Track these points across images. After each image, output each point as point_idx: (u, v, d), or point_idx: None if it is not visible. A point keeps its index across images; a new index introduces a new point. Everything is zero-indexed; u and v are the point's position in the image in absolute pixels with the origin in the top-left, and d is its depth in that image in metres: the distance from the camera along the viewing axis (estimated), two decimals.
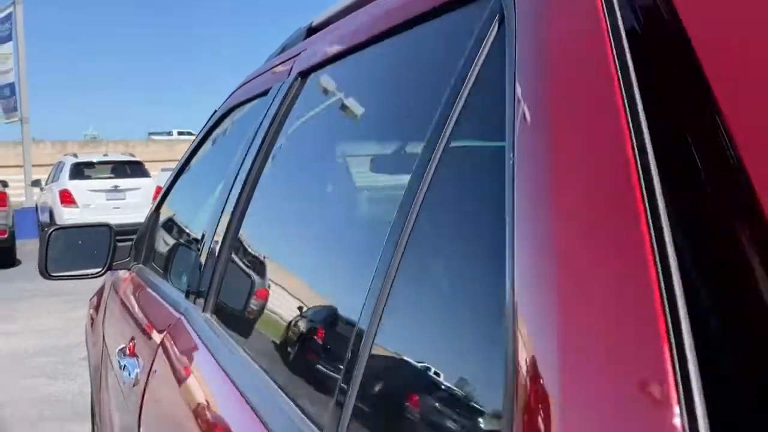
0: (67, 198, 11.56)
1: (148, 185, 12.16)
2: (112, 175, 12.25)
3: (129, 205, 11.46)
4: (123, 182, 12.11)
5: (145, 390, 1.30)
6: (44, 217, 12.41)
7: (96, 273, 2.00)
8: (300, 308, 0.98)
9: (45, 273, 1.95)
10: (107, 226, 2.08)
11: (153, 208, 2.21)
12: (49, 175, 13.50)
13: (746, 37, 0.42)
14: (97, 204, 11.58)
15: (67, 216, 11.17)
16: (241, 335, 1.10)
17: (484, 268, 0.59)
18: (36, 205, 13.52)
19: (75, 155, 13.05)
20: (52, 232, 2.00)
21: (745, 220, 0.36)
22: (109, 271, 2.07)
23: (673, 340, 0.34)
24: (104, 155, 13.54)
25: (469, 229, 0.64)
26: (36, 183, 14.05)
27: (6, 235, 9.75)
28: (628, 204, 0.40)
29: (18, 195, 13.88)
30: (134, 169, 12.66)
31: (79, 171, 12.15)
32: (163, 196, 2.18)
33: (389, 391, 0.68)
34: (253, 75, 1.73)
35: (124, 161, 12.85)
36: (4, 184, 11.80)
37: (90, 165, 12.46)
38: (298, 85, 1.25)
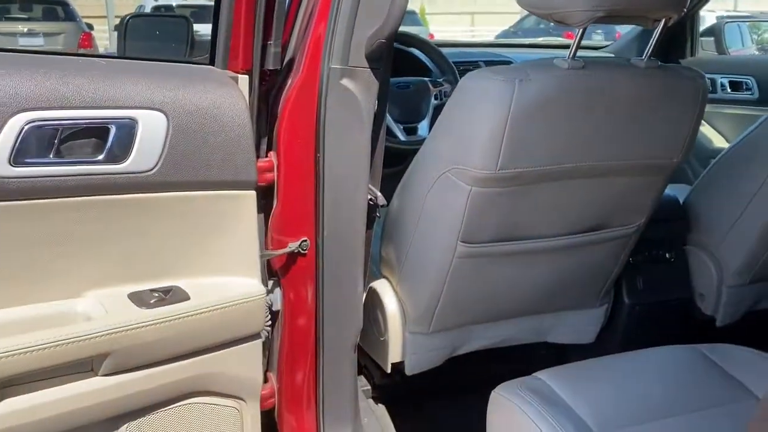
0: None
1: None
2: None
3: None
4: (200, 27, 12.27)
5: None
6: None
7: None
8: None
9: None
10: (185, 18, 2.04)
11: None
12: None
13: None
14: None
15: None
16: None
17: None
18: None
19: None
20: (129, 18, 1.82)
21: None
22: None
23: None
24: None
25: None
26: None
27: None
28: None
29: (103, 39, 13.41)
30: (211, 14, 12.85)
31: None
32: None
33: None
34: None
35: (204, 6, 12.93)
36: (90, 26, 11.61)
37: (169, 9, 12.24)
38: None
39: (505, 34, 15.11)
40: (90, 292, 0.99)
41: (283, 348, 1.29)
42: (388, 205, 1.38)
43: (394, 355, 1.48)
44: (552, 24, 1.23)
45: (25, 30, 10.30)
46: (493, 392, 1.16)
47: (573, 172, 1.26)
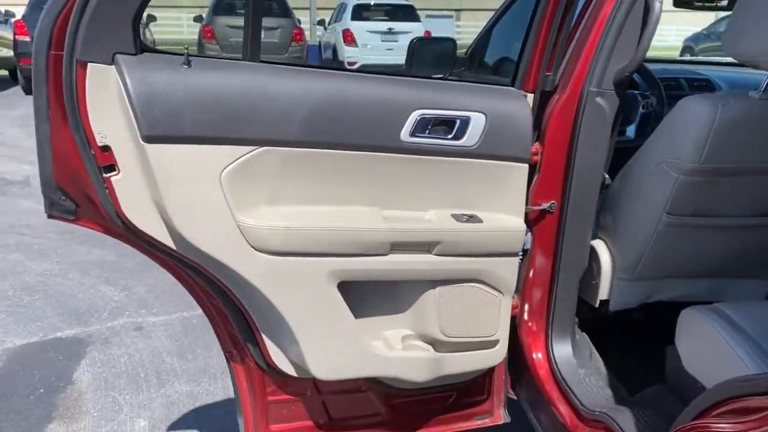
0: (349, 37, 12.55)
1: (419, 29, 12.77)
2: (386, 18, 13.05)
3: (401, 47, 11.59)
4: (397, 25, 12.83)
5: None
6: (327, 54, 13.70)
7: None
8: None
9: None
10: (451, 40, 2.77)
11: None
12: (332, 16, 14.64)
13: None
14: (374, 45, 12.38)
15: (348, 54, 12.27)
16: None
17: None
18: (319, 43, 14.74)
19: None
20: (415, 41, 2.62)
21: None
22: None
23: None
24: None
25: None
26: (321, 23, 15.19)
27: None
28: None
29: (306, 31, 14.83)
30: (406, 12, 13.35)
31: (359, 12, 13.10)
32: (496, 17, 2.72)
33: None
34: None
35: (398, 5, 13.53)
36: (299, 21, 13.01)
37: (368, 7, 13.32)
38: None
39: (696, 36, 14.57)
40: (432, 209, 1.67)
41: (528, 274, 1.89)
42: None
43: (603, 294, 2.04)
44: None
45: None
46: (684, 312, 1.69)
47: (762, 170, 1.75)
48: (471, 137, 1.63)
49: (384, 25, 12.91)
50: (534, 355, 1.95)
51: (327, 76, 1.53)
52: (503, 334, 1.84)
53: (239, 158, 1.44)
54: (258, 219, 1.47)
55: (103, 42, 1.32)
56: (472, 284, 1.74)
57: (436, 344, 1.76)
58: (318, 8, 16.46)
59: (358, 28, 12.79)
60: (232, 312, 1.66)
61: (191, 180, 1.40)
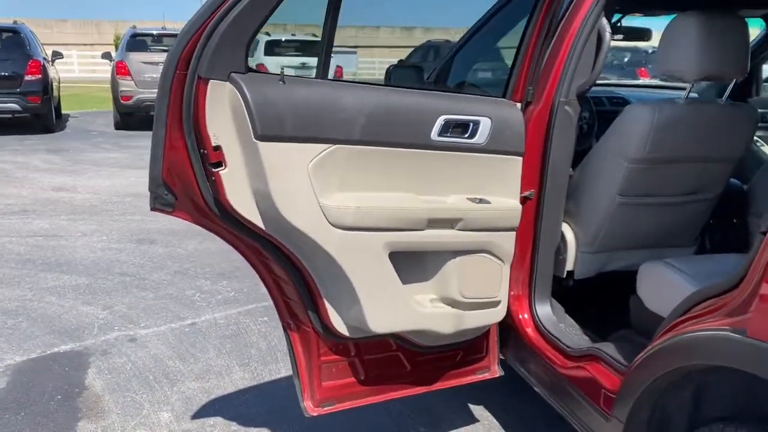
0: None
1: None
2: (299, 53, 13.38)
3: None
4: (309, 60, 13.08)
5: None
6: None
7: None
8: None
9: None
10: (419, 67, 3.26)
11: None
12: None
13: None
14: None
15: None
16: None
17: None
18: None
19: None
20: (391, 68, 3.10)
21: None
22: None
23: None
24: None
25: None
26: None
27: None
28: None
29: None
30: (313, 47, 13.35)
31: (271, 48, 13.38)
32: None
33: None
34: None
35: (306, 41, 13.84)
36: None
37: (279, 43, 13.61)
38: None
39: None
40: (453, 194, 2.11)
41: (517, 245, 2.38)
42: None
43: (569, 266, 2.56)
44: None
45: None
46: (642, 266, 2.22)
47: (689, 158, 2.33)
48: (481, 136, 2.10)
49: (297, 60, 13.48)
50: (521, 316, 2.43)
51: (377, 91, 1.97)
52: (504, 296, 2.31)
53: (320, 154, 1.84)
54: (333, 201, 1.87)
55: (224, 63, 1.70)
56: (482, 254, 2.20)
57: (455, 305, 2.20)
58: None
59: (273, 62, 13.32)
60: (299, 284, 2.03)
61: (290, 170, 1.79)
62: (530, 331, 2.40)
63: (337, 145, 1.87)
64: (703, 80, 2.23)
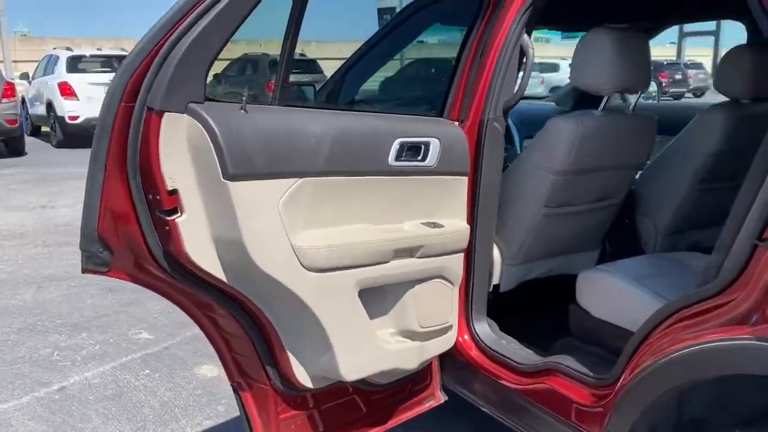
0: (67, 90, 12.13)
1: None
2: (107, 69, 12.71)
3: None
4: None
5: None
6: (36, 110, 13.25)
7: None
8: None
9: None
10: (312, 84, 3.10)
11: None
12: (36, 69, 14.01)
13: None
14: (99, 97, 11.79)
15: (68, 108, 11.99)
16: None
17: None
18: (23, 98, 13.75)
19: (68, 49, 13.51)
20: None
21: None
22: None
23: None
24: (98, 49, 14.15)
25: None
26: (24, 76, 14.43)
27: (16, 125, 10.63)
28: None
29: None
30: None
31: (74, 64, 12.65)
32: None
33: None
34: None
35: (118, 56, 13.27)
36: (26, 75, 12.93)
37: (80, 59, 12.92)
38: None
39: None
40: (410, 220, 2.00)
41: None
42: None
43: (495, 279, 2.56)
44: None
45: None
46: (581, 275, 2.27)
47: (603, 167, 2.44)
48: (432, 158, 2.01)
49: (107, 77, 12.43)
50: (461, 338, 2.38)
51: (337, 115, 1.79)
52: (455, 319, 2.24)
53: (288, 189, 1.63)
54: (304, 241, 1.67)
55: (182, 92, 1.43)
56: (436, 280, 2.11)
57: (415, 336, 2.08)
58: None
59: (77, 80, 12.20)
60: (256, 338, 1.79)
61: (261, 211, 1.56)
62: (473, 352, 2.35)
63: (304, 179, 1.67)
64: (619, 92, 2.34)
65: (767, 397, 1.60)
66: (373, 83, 3.09)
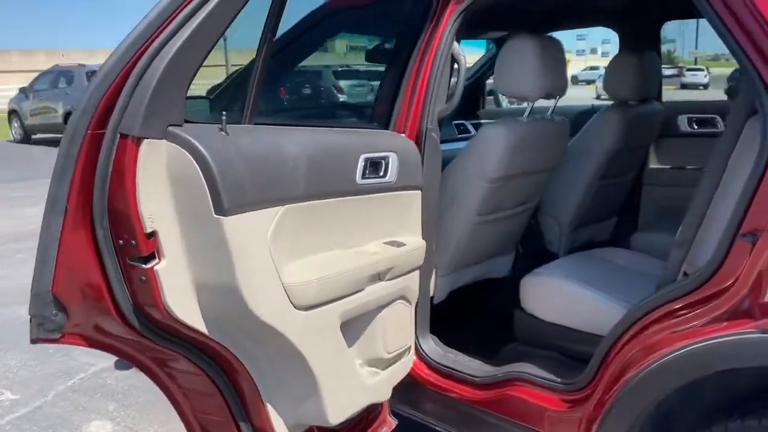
0: None
1: None
2: None
3: None
4: None
5: None
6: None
7: None
8: None
9: None
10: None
11: None
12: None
13: None
14: None
15: None
16: None
17: None
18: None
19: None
20: None
21: None
22: None
23: None
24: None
25: None
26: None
27: None
28: None
29: None
30: None
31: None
32: None
33: None
34: None
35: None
36: None
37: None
38: None
39: None
40: (375, 240, 1.86)
41: None
42: None
43: (430, 292, 2.49)
44: None
45: None
46: (523, 280, 2.27)
47: (528, 172, 2.46)
48: (392, 173, 1.89)
49: None
50: None
51: (310, 133, 1.61)
52: (413, 340, 2.14)
53: (275, 219, 1.42)
54: (292, 277, 1.46)
55: (161, 115, 1.18)
56: (399, 301, 1.99)
57: (382, 364, 1.95)
58: None
59: None
60: (229, 393, 1.56)
61: (254, 249, 1.34)
62: (424, 371, 2.26)
63: (286, 206, 1.47)
64: (543, 98, 2.38)
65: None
66: (297, 93, 2.86)
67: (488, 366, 2.26)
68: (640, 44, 3.21)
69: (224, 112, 1.30)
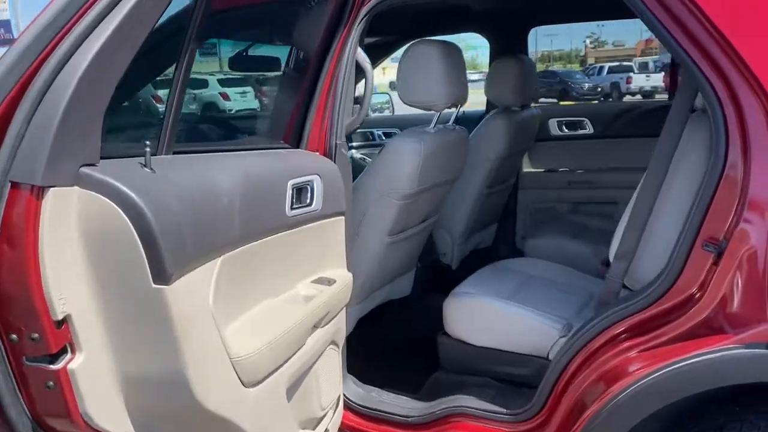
0: None
1: None
2: None
3: None
4: None
5: None
6: None
7: None
8: None
9: None
10: None
11: None
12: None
13: None
14: None
15: None
16: None
17: None
18: None
19: None
20: None
21: None
22: None
23: None
24: None
25: None
26: None
27: None
28: None
29: None
30: None
31: None
32: None
33: None
34: None
35: None
36: None
37: None
38: None
39: None
40: (303, 281, 1.57)
41: None
42: None
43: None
44: None
45: None
46: (447, 300, 2.08)
47: (435, 185, 2.29)
48: (317, 200, 1.61)
49: None
50: None
51: (235, 159, 1.29)
52: (341, 386, 1.87)
53: (213, 275, 1.09)
54: (238, 347, 1.14)
55: (72, 152, 0.81)
56: (329, 348, 1.72)
57: (311, 425, 1.66)
58: None
59: None
60: None
61: (197, 320, 1.00)
62: (350, 418, 1.99)
63: (224, 255, 1.14)
64: (449, 107, 2.23)
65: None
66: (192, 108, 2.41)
67: (418, 402, 2.04)
68: (511, 50, 3.20)
69: (147, 142, 0.95)
